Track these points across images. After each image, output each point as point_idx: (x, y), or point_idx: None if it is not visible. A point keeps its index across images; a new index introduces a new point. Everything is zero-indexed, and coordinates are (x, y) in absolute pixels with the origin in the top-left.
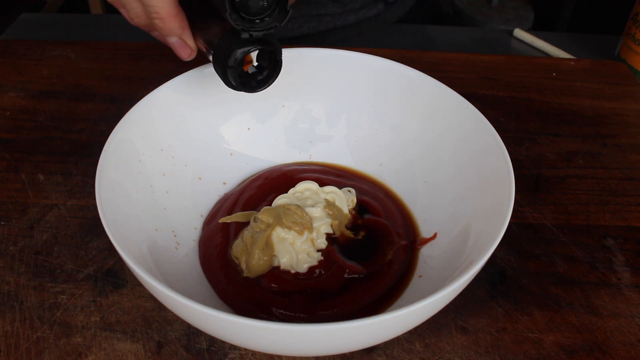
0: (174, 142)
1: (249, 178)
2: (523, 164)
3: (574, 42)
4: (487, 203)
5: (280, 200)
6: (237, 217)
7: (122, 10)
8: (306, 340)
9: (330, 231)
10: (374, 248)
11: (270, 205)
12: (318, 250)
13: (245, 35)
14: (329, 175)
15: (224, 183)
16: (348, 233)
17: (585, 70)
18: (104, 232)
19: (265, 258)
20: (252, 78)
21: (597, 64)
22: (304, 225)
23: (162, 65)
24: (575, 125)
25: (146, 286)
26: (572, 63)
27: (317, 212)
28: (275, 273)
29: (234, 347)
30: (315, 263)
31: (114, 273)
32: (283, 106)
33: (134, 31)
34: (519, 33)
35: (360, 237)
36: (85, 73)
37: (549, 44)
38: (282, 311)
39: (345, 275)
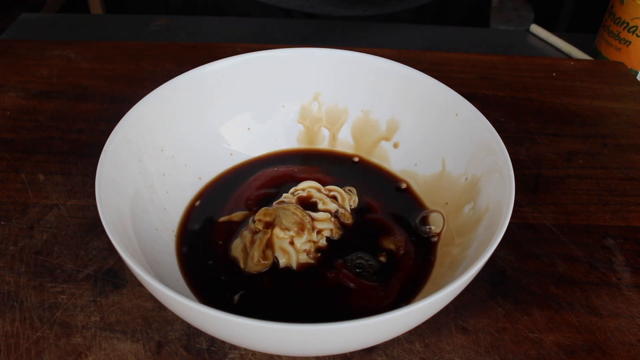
0: (174, 142)
1: (249, 178)
2: (523, 164)
3: (574, 42)
4: (487, 203)
5: (281, 200)
6: (236, 216)
7: None
8: (306, 340)
9: (330, 235)
10: (375, 248)
11: (270, 205)
12: (318, 251)
13: None
14: (330, 174)
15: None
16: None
17: (585, 70)
18: (104, 232)
19: (265, 261)
20: None
21: (597, 64)
22: (304, 225)
23: (162, 65)
24: (575, 125)
25: (146, 286)
26: (572, 63)
27: (322, 216)
28: (275, 273)
29: (234, 347)
30: (314, 263)
31: (114, 273)
32: (283, 106)
33: (134, 31)
34: (535, 29)
35: (361, 238)
36: (85, 73)
37: (566, 42)
38: (281, 311)
39: (344, 278)
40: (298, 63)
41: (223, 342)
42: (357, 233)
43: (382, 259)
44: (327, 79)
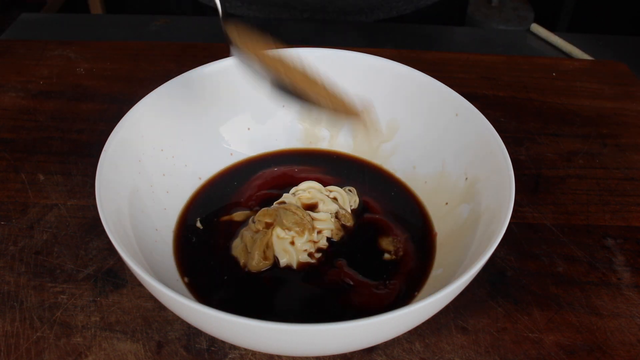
0: (174, 142)
1: (249, 178)
2: (523, 164)
3: (574, 42)
4: (487, 203)
5: (281, 200)
6: (237, 216)
7: None
8: (306, 340)
9: (330, 236)
10: (375, 248)
11: (270, 205)
12: (318, 251)
13: None
14: (330, 174)
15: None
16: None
17: (585, 70)
18: (104, 232)
19: (265, 261)
20: None
21: (597, 64)
22: (305, 225)
23: (162, 65)
24: (575, 125)
25: (146, 286)
26: (572, 63)
27: (322, 216)
28: (275, 273)
29: (234, 347)
30: (315, 263)
31: (114, 273)
32: (283, 106)
33: (134, 31)
34: (535, 28)
35: (361, 238)
36: (85, 73)
37: (566, 41)
38: (282, 311)
39: (345, 278)
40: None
41: (223, 342)
42: (357, 233)
43: (382, 259)
44: (326, 79)
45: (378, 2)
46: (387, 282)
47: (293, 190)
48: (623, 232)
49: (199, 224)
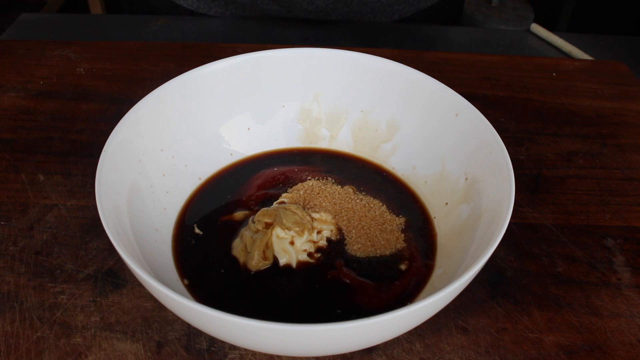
0: (174, 142)
1: (249, 178)
2: (523, 164)
3: (574, 42)
4: (487, 203)
5: (281, 200)
6: (237, 216)
7: None
8: (306, 340)
9: (330, 236)
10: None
11: (270, 205)
12: (318, 251)
13: None
14: (330, 174)
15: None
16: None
17: (585, 70)
18: (104, 232)
19: (265, 261)
20: None
21: (597, 64)
22: (304, 225)
23: (162, 65)
24: (575, 125)
25: (146, 286)
26: (572, 63)
27: (322, 216)
28: (275, 273)
29: (234, 347)
30: (314, 262)
31: (114, 273)
32: (283, 106)
33: (134, 31)
34: (535, 28)
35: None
36: (85, 73)
37: (565, 41)
38: (282, 311)
39: (345, 278)
40: (298, 63)
41: (223, 342)
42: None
43: (383, 259)
44: (327, 79)
45: (381, 7)
46: (387, 282)
47: (294, 189)
48: (623, 232)
49: (197, 230)
